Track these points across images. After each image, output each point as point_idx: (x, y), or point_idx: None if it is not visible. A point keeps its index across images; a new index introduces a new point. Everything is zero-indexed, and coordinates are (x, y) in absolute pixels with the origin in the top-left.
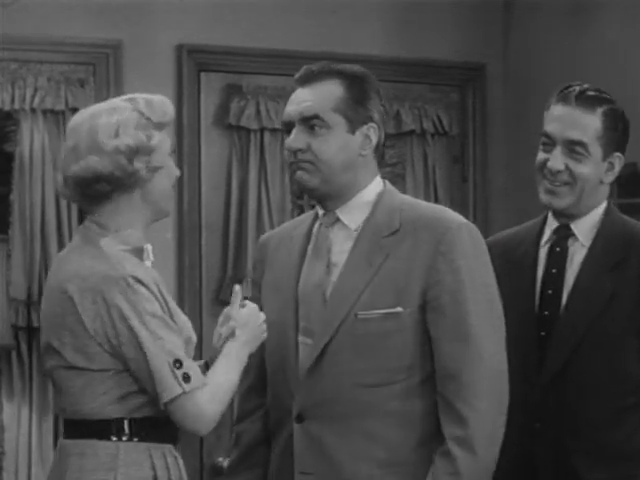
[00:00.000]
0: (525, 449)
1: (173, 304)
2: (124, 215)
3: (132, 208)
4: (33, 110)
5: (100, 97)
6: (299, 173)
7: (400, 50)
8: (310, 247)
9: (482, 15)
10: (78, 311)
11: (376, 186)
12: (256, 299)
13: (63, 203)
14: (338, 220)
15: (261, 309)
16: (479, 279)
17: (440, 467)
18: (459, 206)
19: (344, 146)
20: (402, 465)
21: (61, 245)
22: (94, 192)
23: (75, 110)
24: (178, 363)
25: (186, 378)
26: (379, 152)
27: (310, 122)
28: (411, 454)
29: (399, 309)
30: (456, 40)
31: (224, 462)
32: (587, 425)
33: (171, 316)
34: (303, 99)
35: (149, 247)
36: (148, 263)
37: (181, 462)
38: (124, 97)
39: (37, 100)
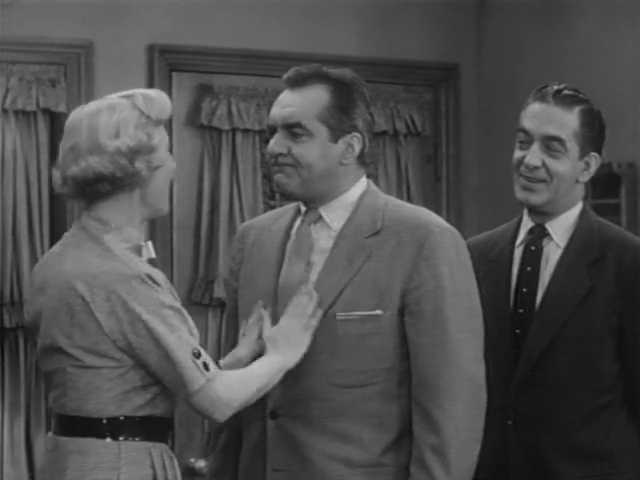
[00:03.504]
0: (498, 446)
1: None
2: (123, 213)
3: (131, 206)
4: (5, 110)
5: (71, 97)
6: (278, 176)
7: (373, 50)
8: (291, 243)
9: (455, 15)
10: (91, 309)
11: (360, 187)
12: (233, 289)
13: (35, 204)
14: (320, 218)
15: (236, 301)
16: (461, 285)
17: (413, 473)
18: (432, 205)
19: (325, 154)
20: (374, 466)
21: (32, 247)
22: (94, 191)
23: (46, 110)
24: (197, 352)
25: (206, 366)
26: (363, 158)
27: (292, 129)
28: (384, 456)
29: (379, 312)
30: (429, 40)
31: (196, 463)
32: (561, 423)
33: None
34: (288, 104)
35: (149, 244)
36: (145, 260)
37: (176, 462)
38: (121, 94)
39: (8, 100)
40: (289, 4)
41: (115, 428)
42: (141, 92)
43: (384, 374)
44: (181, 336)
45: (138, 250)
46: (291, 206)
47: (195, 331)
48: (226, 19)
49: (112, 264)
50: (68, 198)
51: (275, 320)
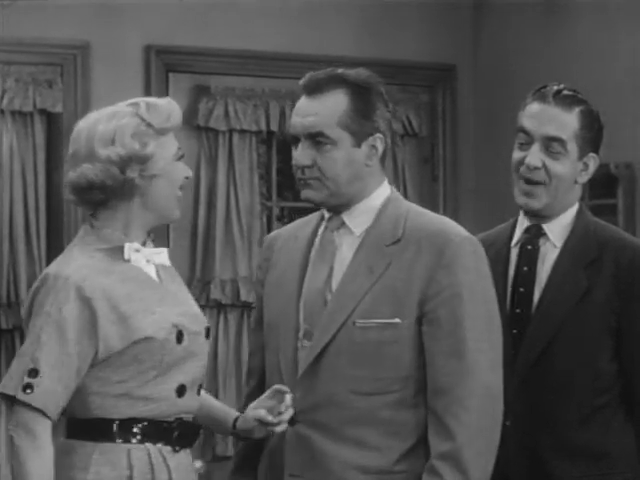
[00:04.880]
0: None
1: (142, 304)
2: (120, 221)
3: (130, 214)
4: (1, 111)
5: (68, 98)
6: (306, 191)
7: (369, 51)
8: (314, 249)
9: (452, 15)
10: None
11: (383, 191)
12: (259, 297)
13: (31, 205)
14: (343, 224)
15: (262, 309)
16: (479, 295)
17: None
18: (429, 206)
19: (350, 161)
20: (391, 473)
21: (29, 248)
22: (89, 199)
23: (43, 111)
24: (34, 372)
25: (28, 387)
26: (384, 157)
27: (315, 138)
28: (400, 463)
29: (397, 320)
30: (426, 41)
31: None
32: (559, 424)
33: (122, 319)
34: (308, 112)
35: (132, 245)
36: (136, 262)
37: (174, 463)
38: (129, 101)
39: (5, 101)
40: (286, 5)
41: (89, 430)
42: (147, 100)
43: (401, 382)
44: (35, 349)
45: (119, 251)
46: (315, 214)
47: (70, 359)
48: (223, 20)
49: (52, 264)
50: (74, 204)
51: (296, 328)
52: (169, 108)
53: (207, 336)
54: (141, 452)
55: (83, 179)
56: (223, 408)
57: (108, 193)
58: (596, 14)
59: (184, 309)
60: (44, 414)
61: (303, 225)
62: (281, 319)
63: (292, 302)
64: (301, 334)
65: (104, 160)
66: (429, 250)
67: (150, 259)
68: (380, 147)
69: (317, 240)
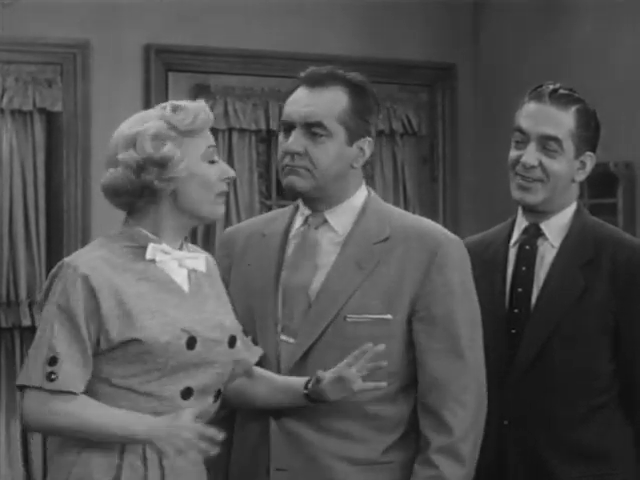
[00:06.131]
0: (495, 447)
1: (152, 304)
2: (150, 222)
3: (159, 217)
4: (1, 110)
5: (68, 97)
6: (291, 177)
7: (369, 50)
8: (293, 246)
9: (452, 14)
10: None
11: (362, 192)
12: None
13: (31, 204)
14: (325, 222)
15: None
16: (468, 293)
17: (420, 473)
18: (429, 206)
19: (340, 156)
20: (378, 464)
21: (29, 246)
22: (119, 203)
23: (43, 110)
24: (53, 360)
25: (51, 374)
26: (366, 162)
27: (312, 128)
28: (387, 454)
29: (389, 316)
30: (426, 40)
31: None
32: (557, 423)
33: (127, 315)
34: (307, 102)
35: (159, 246)
36: (162, 264)
37: (170, 464)
38: (164, 104)
39: (5, 100)
40: (285, 4)
41: None
42: (174, 102)
43: (389, 377)
44: (49, 337)
45: (142, 250)
46: (282, 210)
47: (83, 344)
48: (222, 19)
49: (77, 251)
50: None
51: (275, 324)
52: (196, 109)
53: (231, 345)
54: (136, 445)
55: (109, 184)
56: (291, 377)
57: (135, 197)
58: (596, 13)
59: (205, 317)
60: (72, 393)
61: (269, 222)
62: (257, 315)
63: (270, 299)
64: (279, 328)
65: (122, 164)
66: (419, 250)
67: (182, 263)
68: (368, 151)
69: (293, 236)
